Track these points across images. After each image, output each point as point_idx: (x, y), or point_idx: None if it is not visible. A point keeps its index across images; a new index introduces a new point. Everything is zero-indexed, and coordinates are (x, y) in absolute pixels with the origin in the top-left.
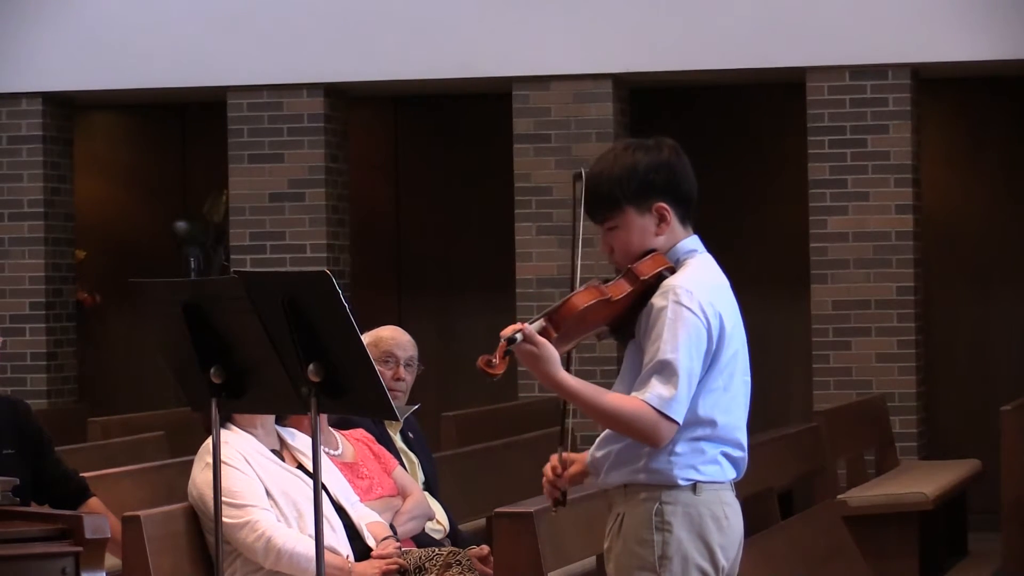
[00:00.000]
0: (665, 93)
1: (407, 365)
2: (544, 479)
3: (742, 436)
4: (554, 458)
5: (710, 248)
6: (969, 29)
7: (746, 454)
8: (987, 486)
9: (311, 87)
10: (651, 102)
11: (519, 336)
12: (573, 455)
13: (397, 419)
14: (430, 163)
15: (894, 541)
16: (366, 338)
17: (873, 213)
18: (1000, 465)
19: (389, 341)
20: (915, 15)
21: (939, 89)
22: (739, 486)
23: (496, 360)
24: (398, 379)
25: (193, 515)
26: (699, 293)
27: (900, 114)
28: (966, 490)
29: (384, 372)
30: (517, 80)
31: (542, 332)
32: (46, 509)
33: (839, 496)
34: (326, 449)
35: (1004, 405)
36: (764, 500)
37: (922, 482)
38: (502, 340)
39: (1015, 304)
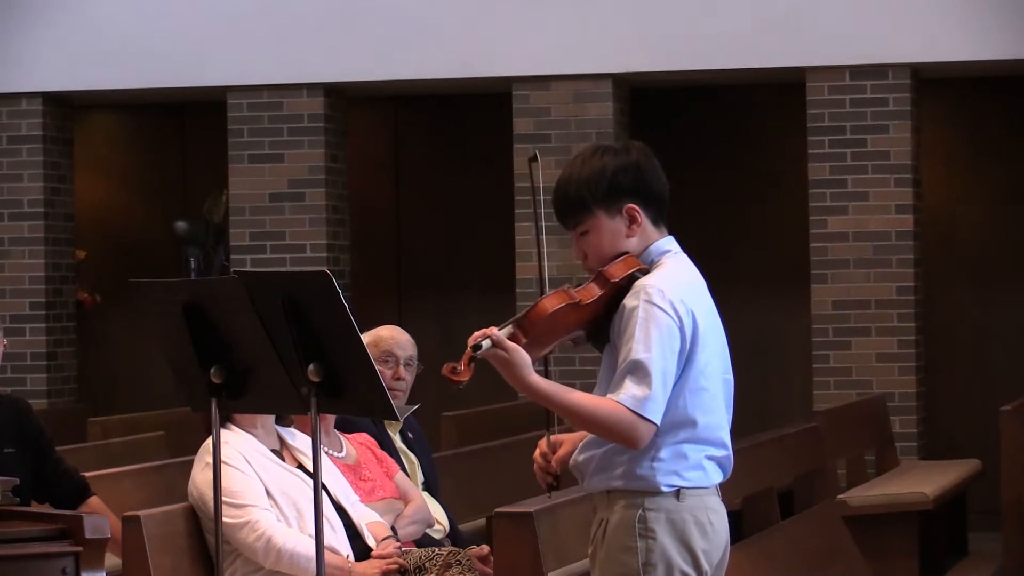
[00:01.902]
0: (665, 93)
1: (407, 365)
2: (535, 465)
3: (725, 435)
4: (542, 443)
5: (711, 248)
6: (969, 29)
7: (731, 453)
8: (987, 486)
9: (311, 87)
10: (651, 102)
11: (486, 343)
12: (561, 436)
13: (397, 419)
14: (430, 163)
15: (894, 541)
16: (366, 338)
17: (873, 213)
18: (1000, 465)
19: (389, 341)
20: (915, 15)
21: (939, 89)
22: (739, 486)
23: (461, 367)
24: (398, 379)
25: (193, 515)
26: (670, 291)
27: (900, 114)
28: (966, 490)
29: (384, 372)
30: (517, 80)
31: (511, 338)
32: (46, 509)
33: (839, 496)
34: (330, 450)
35: (1004, 405)
36: (764, 500)
37: (922, 482)
38: (468, 347)
39: (1015, 304)
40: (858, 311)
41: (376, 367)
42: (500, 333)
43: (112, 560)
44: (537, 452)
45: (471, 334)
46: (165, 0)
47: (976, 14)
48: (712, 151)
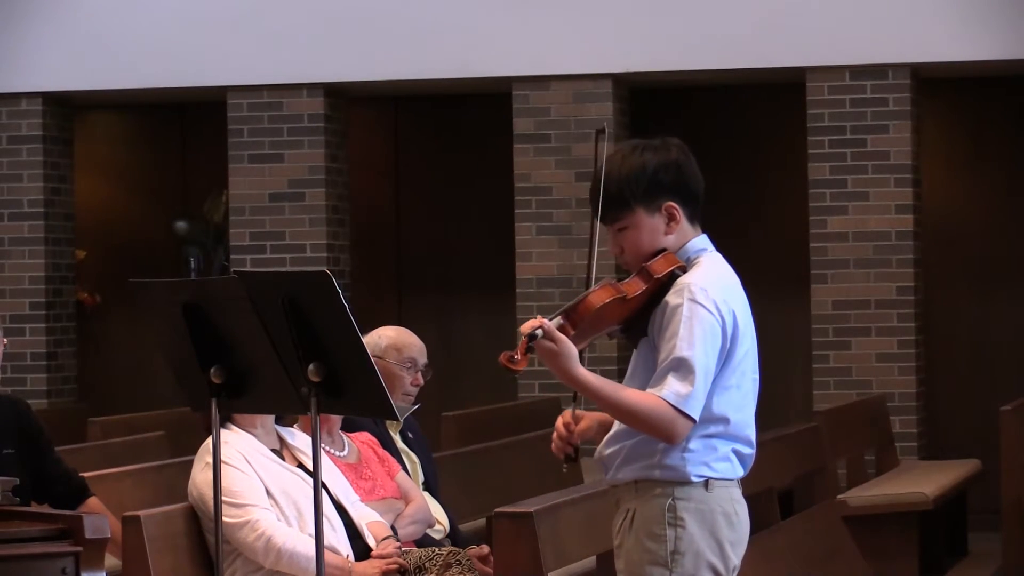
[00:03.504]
0: (665, 93)
1: (423, 370)
2: (555, 434)
3: (752, 433)
4: (567, 413)
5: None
6: (969, 29)
7: (755, 451)
8: (987, 486)
9: (311, 87)
10: (651, 102)
11: (539, 332)
12: (582, 412)
13: (397, 419)
14: (430, 163)
15: (894, 541)
16: (383, 340)
17: (873, 213)
18: (1000, 465)
19: (413, 347)
20: (915, 15)
21: (939, 89)
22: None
23: (518, 356)
24: (416, 384)
25: (193, 515)
26: (713, 291)
27: (900, 114)
28: (966, 490)
29: (405, 378)
30: (517, 80)
31: (560, 329)
32: (46, 509)
33: (839, 496)
34: (331, 449)
35: (1004, 405)
36: (764, 500)
37: (922, 482)
38: (523, 337)
39: (1015, 304)
40: (858, 311)
41: (398, 372)
42: (551, 324)
43: (112, 560)
44: (560, 422)
45: (472, 334)
46: (165, 0)
47: (976, 14)
48: (712, 151)
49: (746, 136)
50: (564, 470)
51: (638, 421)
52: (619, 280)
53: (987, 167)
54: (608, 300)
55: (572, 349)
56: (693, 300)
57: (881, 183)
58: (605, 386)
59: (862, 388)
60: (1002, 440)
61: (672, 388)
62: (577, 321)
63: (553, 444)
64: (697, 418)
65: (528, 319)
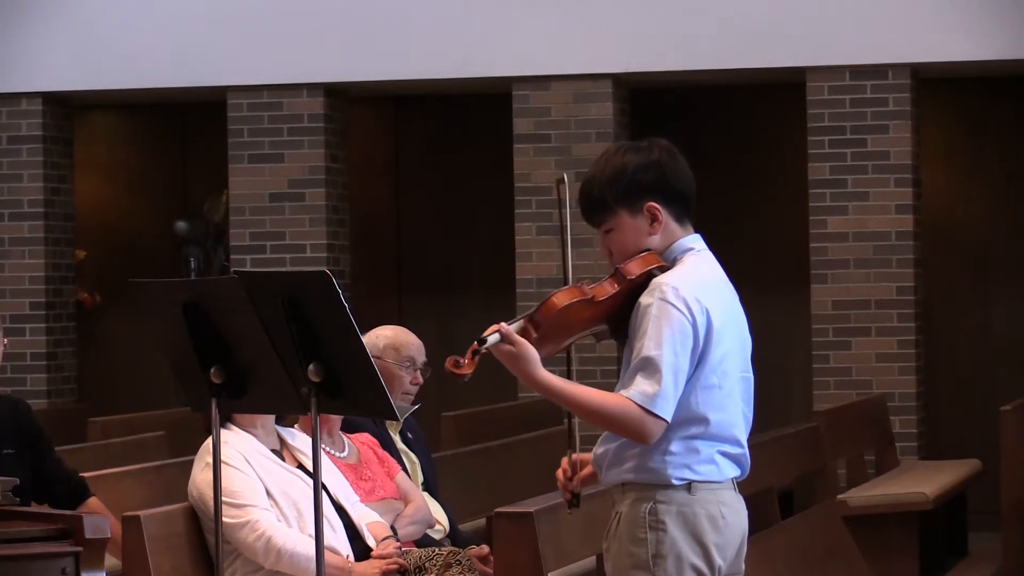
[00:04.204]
0: (665, 93)
1: (422, 369)
2: (558, 482)
3: (739, 433)
4: (564, 461)
5: (711, 248)
6: (969, 29)
7: (746, 451)
8: (987, 486)
9: (311, 87)
10: (651, 102)
11: (493, 337)
12: (585, 456)
13: (397, 419)
14: (430, 163)
15: (894, 541)
16: (382, 340)
17: (873, 213)
18: (1000, 465)
19: (411, 347)
20: (915, 15)
21: (939, 89)
22: (740, 486)
23: (464, 361)
24: (415, 383)
25: (193, 515)
26: (685, 289)
27: (900, 114)
28: (966, 490)
29: (404, 377)
30: (517, 80)
31: (522, 332)
32: (46, 509)
33: (839, 496)
34: (331, 450)
35: (1004, 405)
36: (764, 500)
37: (922, 482)
38: (475, 342)
39: (1015, 304)
40: (858, 311)
41: (397, 371)
42: (510, 327)
43: (112, 560)
44: (559, 470)
45: (472, 334)
46: (166, 0)
47: (976, 14)
48: (712, 151)
49: (746, 136)
50: (568, 514)
51: (607, 422)
52: (595, 281)
53: (987, 167)
54: (571, 302)
55: (531, 352)
56: (663, 299)
57: (881, 183)
58: (568, 387)
59: (862, 388)
60: (1002, 440)
61: (639, 388)
62: (540, 323)
63: (559, 489)
64: (668, 418)
65: (509, 321)
